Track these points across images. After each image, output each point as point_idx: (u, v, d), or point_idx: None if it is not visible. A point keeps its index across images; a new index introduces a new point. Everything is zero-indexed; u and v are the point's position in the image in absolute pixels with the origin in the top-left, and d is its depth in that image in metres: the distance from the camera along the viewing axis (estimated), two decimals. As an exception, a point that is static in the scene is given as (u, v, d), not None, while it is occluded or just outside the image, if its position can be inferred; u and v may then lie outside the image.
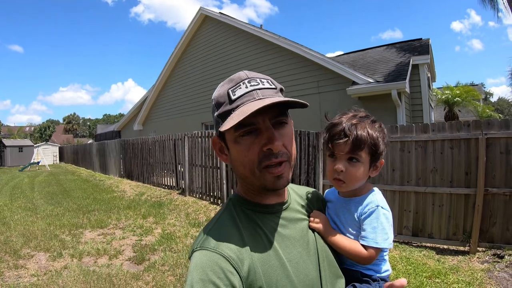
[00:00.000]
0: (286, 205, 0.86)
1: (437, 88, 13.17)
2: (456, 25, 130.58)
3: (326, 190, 1.02)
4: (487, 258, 3.92)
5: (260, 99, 0.72)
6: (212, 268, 0.66)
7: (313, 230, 0.86)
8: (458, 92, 11.32)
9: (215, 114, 0.79)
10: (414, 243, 4.57)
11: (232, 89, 0.76)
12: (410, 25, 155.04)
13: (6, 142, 32.58)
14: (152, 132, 14.82)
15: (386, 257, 0.92)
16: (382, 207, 0.88)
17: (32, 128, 65.13)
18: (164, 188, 9.84)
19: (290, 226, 0.82)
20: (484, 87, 42.17)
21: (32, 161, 25.43)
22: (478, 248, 4.11)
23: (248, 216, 0.79)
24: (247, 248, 0.72)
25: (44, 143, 36.43)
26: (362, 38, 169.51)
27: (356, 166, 0.87)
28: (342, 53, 12.62)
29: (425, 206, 4.51)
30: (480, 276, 3.51)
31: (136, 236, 5.63)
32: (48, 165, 25.57)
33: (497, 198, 4.05)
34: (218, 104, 0.78)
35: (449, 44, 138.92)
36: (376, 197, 0.90)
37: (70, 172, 19.49)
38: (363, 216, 0.88)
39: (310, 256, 0.80)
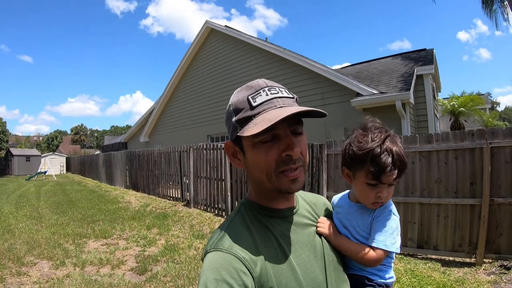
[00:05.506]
0: (295, 210, 0.88)
1: (443, 98, 13.14)
2: (463, 35, 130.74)
3: (334, 196, 1.06)
4: (493, 269, 3.84)
5: (281, 107, 0.75)
6: (226, 268, 0.67)
7: (320, 235, 0.89)
8: (463, 100, 11.31)
9: (233, 120, 0.79)
10: (419, 255, 4.50)
11: (252, 95, 0.77)
12: (418, 36, 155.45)
13: (14, 151, 33.14)
14: (158, 144, 14.95)
15: (392, 265, 0.96)
16: (393, 213, 0.93)
17: (40, 138, 65.93)
18: (169, 199, 9.86)
19: (298, 230, 0.84)
20: (491, 97, 41.93)
21: (39, 170, 25.72)
22: (484, 260, 4.04)
23: (259, 220, 0.81)
24: (259, 250, 0.74)
25: (51, 153, 36.79)
26: (370, 49, 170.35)
27: (393, 188, 0.92)
28: (349, 64, 12.67)
29: (430, 217, 4.45)
30: (487, 289, 3.44)
31: (139, 246, 5.62)
32: (55, 175, 25.75)
33: (503, 208, 3.99)
34: (237, 110, 0.78)
35: (456, 54, 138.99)
36: (389, 204, 0.95)
37: (77, 182, 19.65)
38: (374, 220, 0.92)
39: (317, 260, 0.82)
